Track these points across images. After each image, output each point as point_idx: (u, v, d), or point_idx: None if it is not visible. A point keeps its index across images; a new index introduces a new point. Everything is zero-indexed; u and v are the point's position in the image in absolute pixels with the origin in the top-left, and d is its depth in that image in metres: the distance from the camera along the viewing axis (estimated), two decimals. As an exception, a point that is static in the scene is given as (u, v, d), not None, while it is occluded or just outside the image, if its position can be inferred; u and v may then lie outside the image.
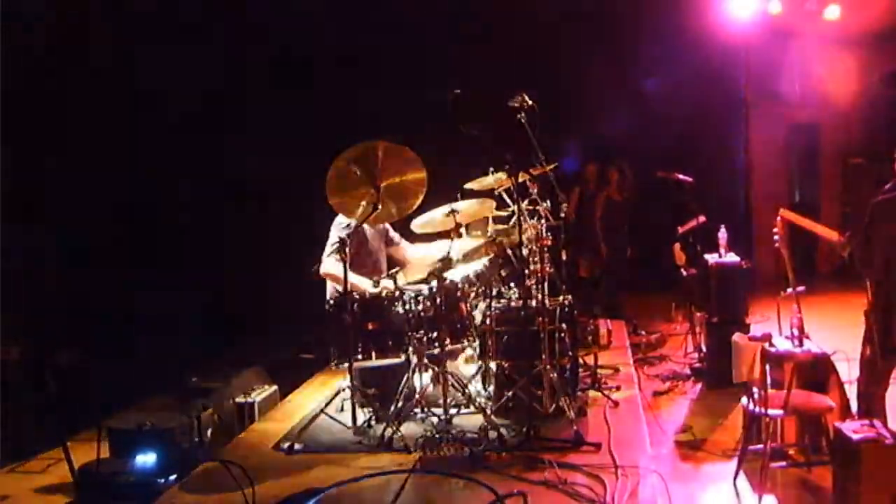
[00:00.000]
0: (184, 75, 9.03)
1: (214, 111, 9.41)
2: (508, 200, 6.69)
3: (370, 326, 6.08)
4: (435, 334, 6.13)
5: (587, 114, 11.33)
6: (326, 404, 6.11)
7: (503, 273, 6.86)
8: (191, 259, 8.91)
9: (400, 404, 6.03)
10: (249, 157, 9.35)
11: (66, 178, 8.50)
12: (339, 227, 6.55)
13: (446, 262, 6.19)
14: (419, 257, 6.82)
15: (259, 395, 6.93)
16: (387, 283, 6.23)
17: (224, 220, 9.25)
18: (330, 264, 6.41)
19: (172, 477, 5.59)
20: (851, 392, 5.83)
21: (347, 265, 5.94)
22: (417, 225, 6.66)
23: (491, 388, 6.45)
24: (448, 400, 6.03)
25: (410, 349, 6.14)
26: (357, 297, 6.08)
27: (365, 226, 6.53)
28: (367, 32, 10.18)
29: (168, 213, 9.10)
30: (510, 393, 6.17)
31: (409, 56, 10.05)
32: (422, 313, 6.16)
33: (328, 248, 6.47)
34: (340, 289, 6.05)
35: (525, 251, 6.38)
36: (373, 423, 6.05)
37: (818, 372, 5.79)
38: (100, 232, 8.68)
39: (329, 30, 10.03)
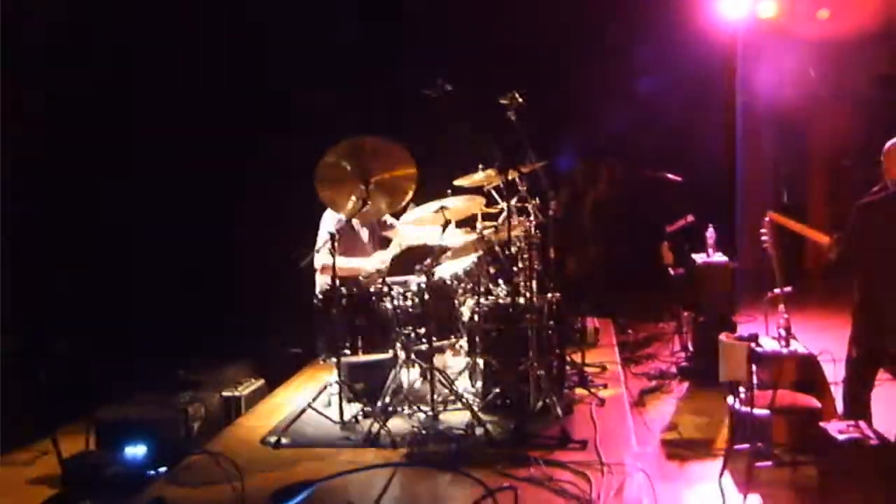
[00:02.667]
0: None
1: (209, 107, 9.35)
2: (498, 197, 6.69)
3: (358, 321, 6.09)
4: (423, 330, 6.14)
5: (577, 112, 11.32)
6: (313, 399, 6.10)
7: (492, 270, 6.87)
8: (177, 252, 8.85)
9: (387, 400, 6.04)
10: (238, 148, 9.29)
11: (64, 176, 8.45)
12: (329, 220, 6.56)
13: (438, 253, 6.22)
14: (413, 237, 6.91)
15: (246, 388, 6.92)
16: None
17: (210, 211, 9.18)
18: (322, 258, 6.40)
19: (161, 469, 5.59)
20: (837, 392, 5.86)
21: (336, 259, 5.94)
22: (407, 221, 6.66)
23: (478, 385, 6.46)
24: (435, 396, 6.04)
25: (398, 345, 6.16)
26: (345, 291, 6.08)
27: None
28: (361, 24, 10.14)
29: (156, 208, 9.02)
30: (497, 390, 6.19)
31: (401, 52, 10.02)
32: (410, 309, 6.17)
33: (319, 243, 6.46)
34: (330, 282, 6.05)
35: (514, 248, 6.39)
36: (360, 418, 6.04)
37: (805, 372, 5.81)
38: (91, 225, 8.62)
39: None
